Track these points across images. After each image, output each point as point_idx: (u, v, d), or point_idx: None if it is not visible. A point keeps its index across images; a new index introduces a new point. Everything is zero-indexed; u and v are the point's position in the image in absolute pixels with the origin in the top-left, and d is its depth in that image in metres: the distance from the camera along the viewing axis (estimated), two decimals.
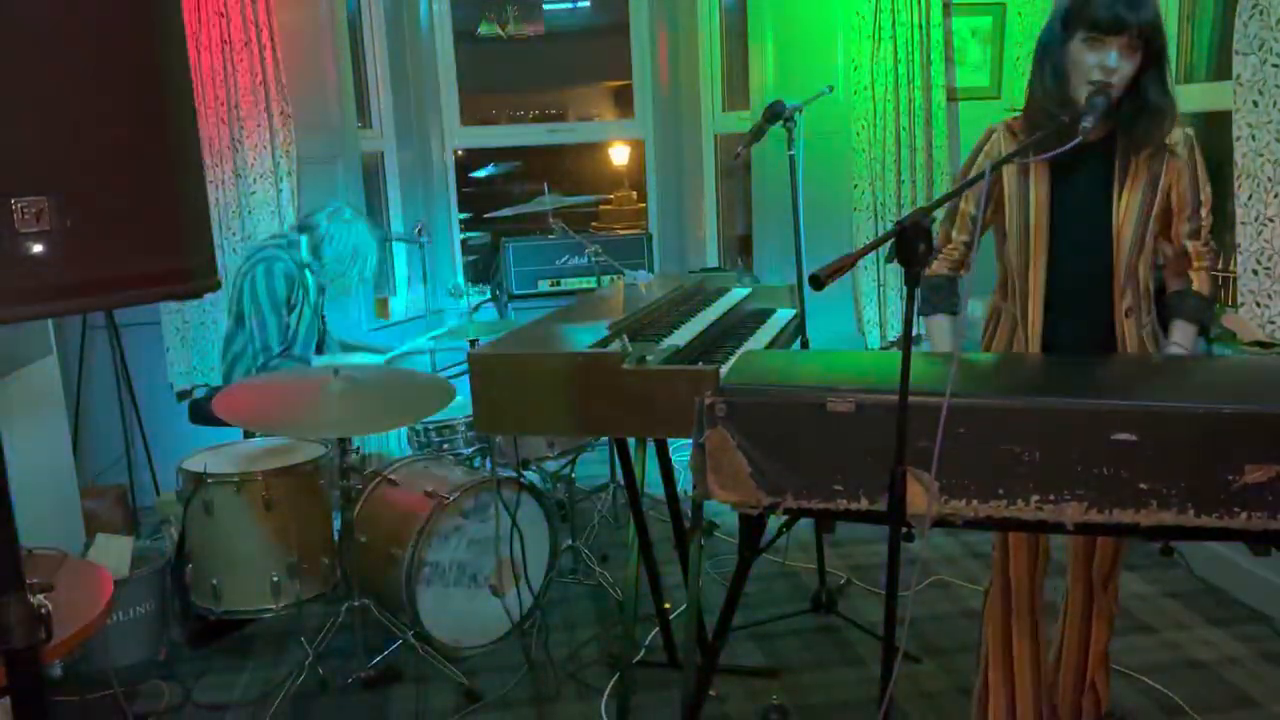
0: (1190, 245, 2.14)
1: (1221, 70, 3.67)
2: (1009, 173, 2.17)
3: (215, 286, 1.20)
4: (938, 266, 2.29)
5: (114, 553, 2.96)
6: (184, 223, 1.16)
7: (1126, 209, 2.09)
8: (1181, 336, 2.16)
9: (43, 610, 1.25)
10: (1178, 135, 2.09)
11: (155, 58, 1.11)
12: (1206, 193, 2.13)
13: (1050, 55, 2.05)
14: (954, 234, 2.28)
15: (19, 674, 1.23)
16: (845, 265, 1.56)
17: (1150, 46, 1.97)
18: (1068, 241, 2.13)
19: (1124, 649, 2.91)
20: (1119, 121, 2.05)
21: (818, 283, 1.53)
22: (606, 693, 2.85)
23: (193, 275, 1.16)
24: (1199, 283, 2.16)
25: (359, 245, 3.52)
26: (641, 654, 3.03)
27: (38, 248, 1.02)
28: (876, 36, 4.45)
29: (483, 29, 6.89)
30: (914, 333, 1.63)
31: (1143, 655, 2.94)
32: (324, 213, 3.56)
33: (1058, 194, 2.12)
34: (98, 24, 1.05)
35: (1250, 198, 3.04)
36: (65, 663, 2.90)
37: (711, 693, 2.76)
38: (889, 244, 1.62)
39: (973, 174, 2.19)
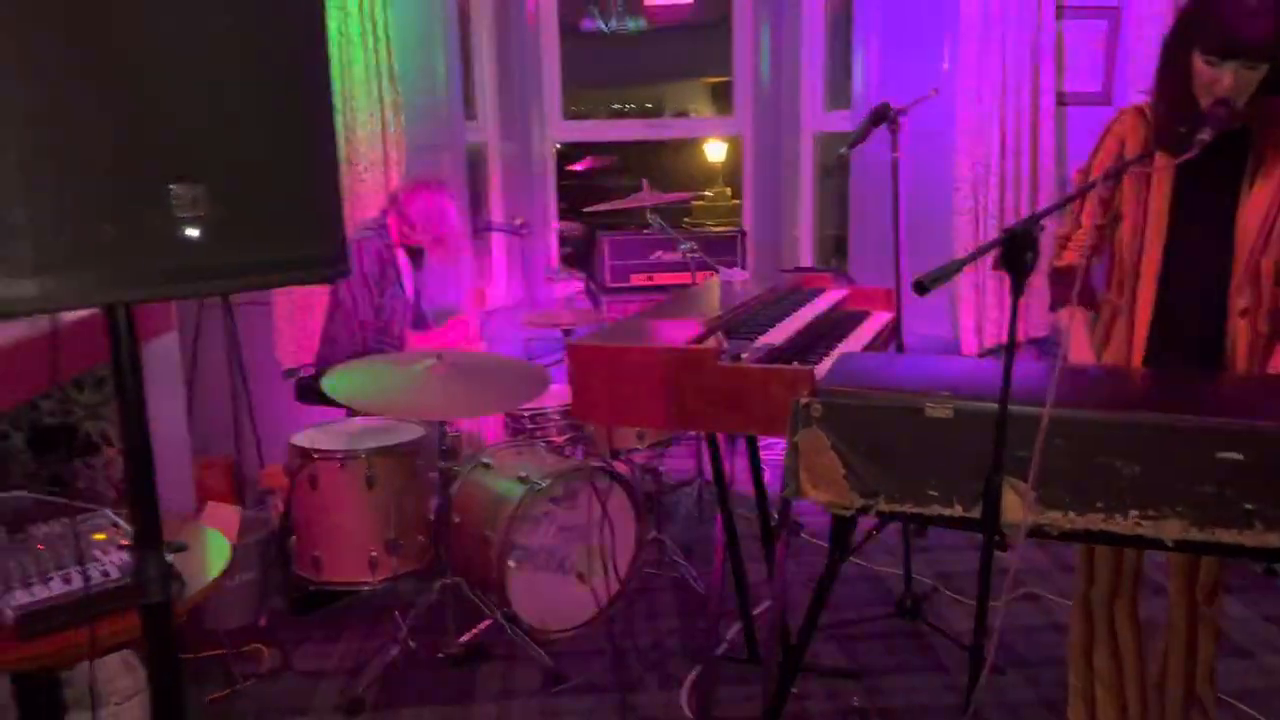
0: None
1: None
2: (1130, 157, 2.11)
3: (346, 272, 1.27)
4: (1069, 256, 2.23)
5: (222, 521, 3.10)
6: (320, 211, 1.24)
7: (1254, 205, 2.01)
8: None
9: (175, 568, 1.34)
10: None
11: (302, 58, 1.18)
12: None
13: (1175, 59, 2.00)
14: (1083, 219, 2.21)
15: (154, 627, 1.33)
16: (951, 271, 1.57)
17: (1275, 61, 1.91)
18: (1187, 234, 2.07)
19: (1218, 672, 2.83)
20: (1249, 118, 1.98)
21: (922, 288, 1.54)
22: (687, 683, 2.89)
23: (327, 262, 1.24)
24: None
25: (437, 202, 3.68)
26: (723, 648, 3.06)
27: (192, 232, 1.11)
28: (984, 38, 4.38)
29: (587, 24, 6.97)
30: (1018, 340, 1.63)
31: (1238, 680, 2.86)
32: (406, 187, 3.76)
33: (1181, 185, 2.06)
34: (254, 27, 1.13)
35: None
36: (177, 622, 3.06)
37: (791, 690, 2.77)
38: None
39: (1099, 157, 2.16)
